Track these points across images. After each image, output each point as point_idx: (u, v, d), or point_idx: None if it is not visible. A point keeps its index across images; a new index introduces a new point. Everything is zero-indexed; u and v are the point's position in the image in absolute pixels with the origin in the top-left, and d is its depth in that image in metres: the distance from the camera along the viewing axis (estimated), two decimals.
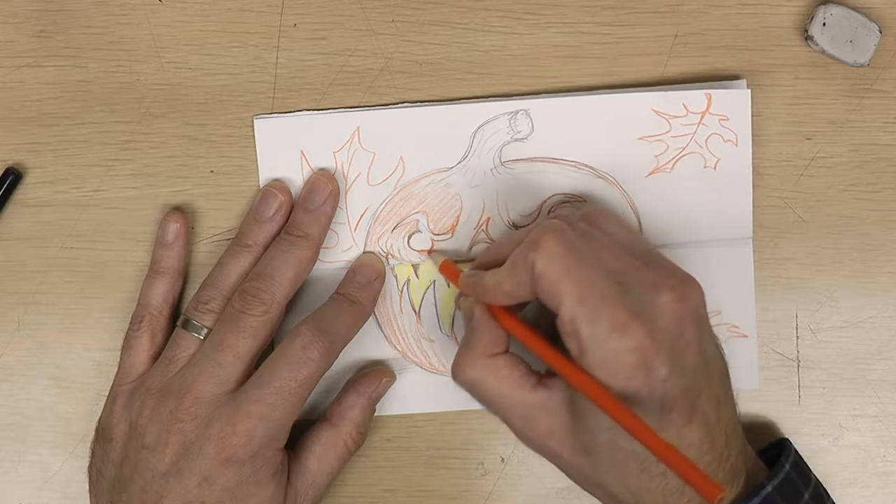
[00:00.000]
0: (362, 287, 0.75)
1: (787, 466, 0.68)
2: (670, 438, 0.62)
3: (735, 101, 0.75)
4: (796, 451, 0.71)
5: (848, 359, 0.78)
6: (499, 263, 0.68)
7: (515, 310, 0.68)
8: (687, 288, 0.65)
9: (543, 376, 0.67)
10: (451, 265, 0.74)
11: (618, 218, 0.70)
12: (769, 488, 0.66)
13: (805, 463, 0.72)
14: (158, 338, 0.75)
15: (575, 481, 0.69)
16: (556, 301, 0.63)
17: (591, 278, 0.63)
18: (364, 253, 0.77)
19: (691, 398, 0.64)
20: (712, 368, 0.66)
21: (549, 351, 0.65)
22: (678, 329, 0.63)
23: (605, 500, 0.68)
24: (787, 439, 0.74)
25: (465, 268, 0.74)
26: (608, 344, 0.62)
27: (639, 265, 0.66)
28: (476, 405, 0.72)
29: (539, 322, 0.71)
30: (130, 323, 0.75)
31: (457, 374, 0.69)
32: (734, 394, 0.68)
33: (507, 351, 0.68)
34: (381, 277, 0.76)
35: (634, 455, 0.64)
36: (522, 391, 0.67)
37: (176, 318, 0.76)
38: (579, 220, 0.68)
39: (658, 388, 0.62)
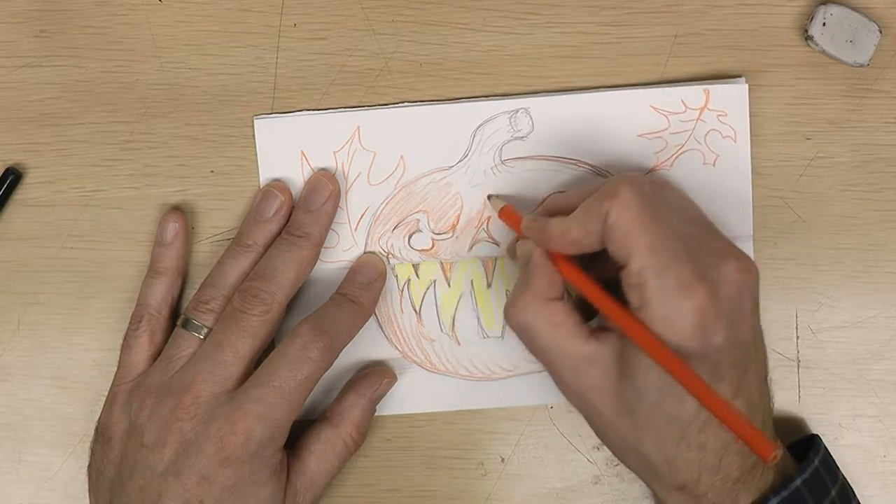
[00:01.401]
0: (363, 287, 0.75)
1: (816, 462, 0.69)
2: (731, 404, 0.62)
3: (733, 96, 0.75)
4: (826, 448, 0.72)
5: (848, 359, 0.78)
6: (564, 212, 0.67)
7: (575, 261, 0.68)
8: (749, 263, 0.65)
9: (596, 329, 0.67)
10: (512, 210, 0.73)
11: (681, 189, 0.70)
12: (798, 482, 0.67)
13: (834, 460, 0.72)
14: (158, 337, 0.75)
15: (609, 445, 0.69)
16: (626, 252, 0.63)
17: (663, 234, 0.63)
18: (365, 253, 0.77)
19: (740, 372, 0.64)
20: (759, 349, 0.67)
21: (608, 300, 0.64)
22: (738, 300, 0.64)
23: (636, 467, 0.68)
24: (818, 436, 0.74)
25: (466, 266, 0.75)
26: (672, 300, 0.62)
27: (703, 233, 0.66)
28: (475, 404, 0.74)
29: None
30: (130, 323, 0.75)
31: (510, 315, 0.68)
32: (770, 381, 0.69)
33: (562, 298, 0.68)
34: (382, 277, 0.77)
35: (677, 421, 0.64)
36: (575, 340, 0.66)
37: (175, 318, 0.76)
38: (651, 180, 0.68)
39: (713, 353, 0.62)
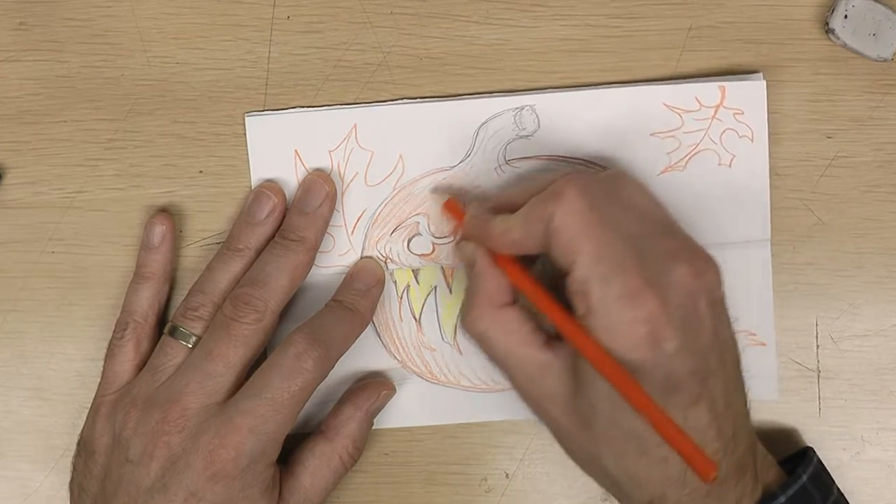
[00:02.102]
0: (360, 294, 0.74)
1: (804, 478, 0.68)
2: (673, 419, 0.61)
3: (750, 94, 0.74)
4: (819, 462, 0.71)
5: (871, 369, 0.77)
6: (509, 209, 0.67)
7: (520, 260, 0.68)
8: (704, 264, 0.64)
9: (552, 336, 0.67)
10: (455, 203, 0.73)
11: (640, 184, 0.69)
12: (781, 499, 0.66)
13: (828, 474, 0.71)
14: (144, 346, 0.74)
15: (571, 455, 0.69)
16: (569, 258, 0.63)
17: (609, 239, 0.62)
18: (362, 258, 0.76)
19: (699, 379, 0.63)
20: (725, 353, 0.65)
21: (554, 307, 0.64)
22: (691, 304, 0.63)
23: (604, 483, 0.68)
24: (811, 448, 0.73)
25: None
26: (618, 310, 0.61)
27: (657, 233, 0.65)
28: (478, 417, 0.74)
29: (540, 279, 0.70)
30: (114, 331, 0.74)
31: (465, 325, 0.68)
32: (747, 388, 0.67)
33: (514, 302, 0.68)
34: (380, 284, 0.76)
35: (634, 435, 0.63)
36: (530, 348, 0.66)
37: (162, 325, 0.75)
38: (602, 179, 0.68)
39: (665, 362, 0.61)
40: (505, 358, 0.67)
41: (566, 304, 0.64)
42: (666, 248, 0.64)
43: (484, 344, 0.68)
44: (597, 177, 0.68)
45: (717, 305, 0.65)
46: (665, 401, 0.61)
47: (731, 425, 0.64)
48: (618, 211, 0.65)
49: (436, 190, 0.75)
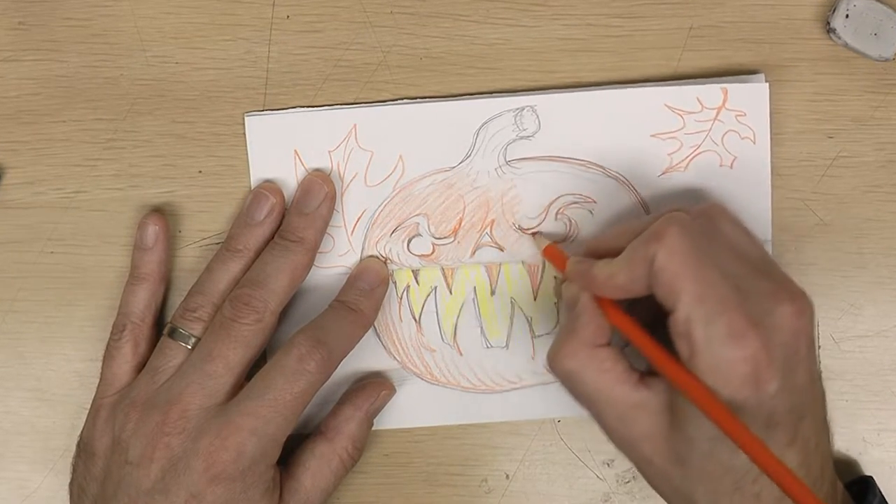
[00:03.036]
0: (364, 294, 0.75)
1: None
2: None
3: (752, 96, 0.74)
4: (881, 492, 0.71)
5: (873, 370, 0.77)
6: (609, 253, 0.67)
7: (621, 304, 0.67)
8: (804, 302, 0.64)
9: (645, 375, 0.66)
10: (556, 249, 0.73)
11: (736, 219, 0.68)
12: None
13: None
14: (142, 347, 0.74)
15: (659, 491, 0.68)
16: (672, 298, 0.62)
17: (712, 279, 0.62)
18: (367, 258, 0.77)
19: (796, 418, 0.63)
20: (817, 391, 0.66)
21: (657, 349, 0.64)
22: (794, 344, 0.63)
23: None
24: (871, 478, 0.74)
25: (469, 272, 0.75)
26: (722, 350, 0.61)
27: (757, 272, 0.65)
28: (478, 418, 0.74)
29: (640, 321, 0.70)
30: (112, 332, 0.74)
31: (555, 362, 0.67)
32: (831, 425, 0.68)
33: (609, 344, 0.67)
34: (384, 284, 0.76)
35: (732, 470, 0.63)
36: (623, 387, 0.65)
37: (159, 326, 0.75)
38: (698, 215, 0.67)
39: (767, 402, 0.61)
40: (597, 397, 0.66)
41: (664, 344, 0.64)
42: (767, 288, 0.64)
43: (572, 382, 0.67)
44: (696, 213, 0.68)
45: (813, 344, 0.65)
46: (765, 440, 0.61)
47: (819, 464, 0.65)
48: (718, 250, 0.64)
49: (537, 237, 0.75)
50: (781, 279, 0.65)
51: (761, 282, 0.64)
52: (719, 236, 0.66)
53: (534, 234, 0.76)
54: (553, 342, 0.68)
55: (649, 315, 0.66)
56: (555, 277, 0.76)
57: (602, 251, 0.68)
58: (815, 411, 0.65)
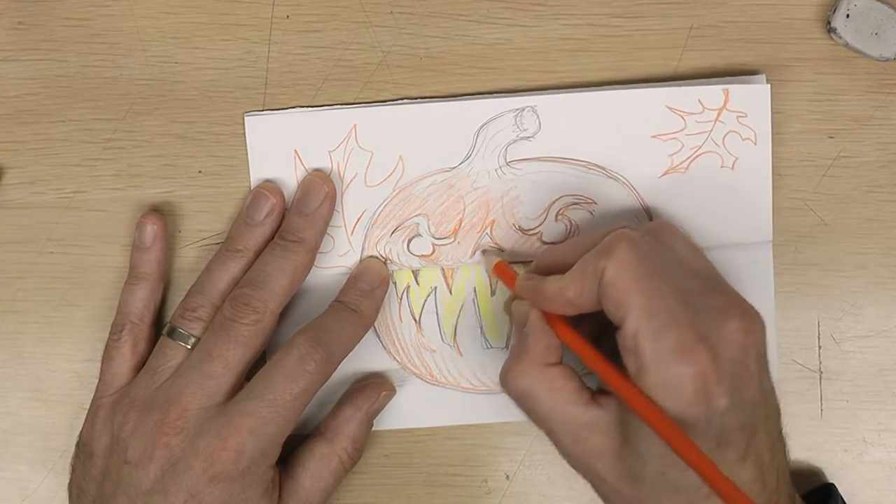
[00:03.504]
0: (364, 294, 0.75)
1: None
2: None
3: (754, 97, 0.74)
4: (843, 499, 0.72)
5: (873, 370, 0.77)
6: (558, 269, 0.67)
7: (570, 320, 0.67)
8: (754, 318, 0.64)
9: (596, 393, 0.66)
10: (506, 267, 0.73)
11: (684, 235, 0.69)
12: None
13: None
14: (141, 347, 0.74)
15: None
16: (621, 312, 0.62)
17: (662, 293, 0.62)
18: (367, 258, 0.76)
19: (747, 434, 0.63)
20: (769, 405, 0.65)
21: (606, 366, 0.64)
22: (742, 360, 0.62)
23: None
24: (833, 485, 0.75)
25: (469, 272, 0.75)
26: (670, 366, 0.61)
27: (705, 288, 0.65)
28: (478, 419, 0.74)
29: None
30: (110, 332, 0.74)
31: (507, 382, 0.67)
32: (786, 438, 0.68)
33: (560, 362, 0.67)
34: (384, 284, 0.76)
35: (684, 489, 0.63)
36: (575, 407, 0.65)
37: (158, 326, 0.76)
38: (648, 232, 0.68)
39: (716, 419, 0.61)
40: (549, 416, 0.66)
41: (613, 360, 0.64)
42: (715, 304, 0.64)
43: (526, 401, 0.67)
44: (646, 230, 0.68)
45: (763, 358, 0.65)
46: (716, 457, 0.61)
47: (774, 478, 0.65)
48: (668, 265, 0.65)
49: (486, 253, 0.76)
50: (731, 295, 0.65)
51: (710, 298, 0.64)
52: (669, 252, 0.66)
53: (483, 251, 0.76)
54: (505, 361, 0.68)
55: (596, 331, 0.67)
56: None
57: (552, 267, 0.68)
58: (768, 426, 0.65)
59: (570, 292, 0.65)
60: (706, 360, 0.61)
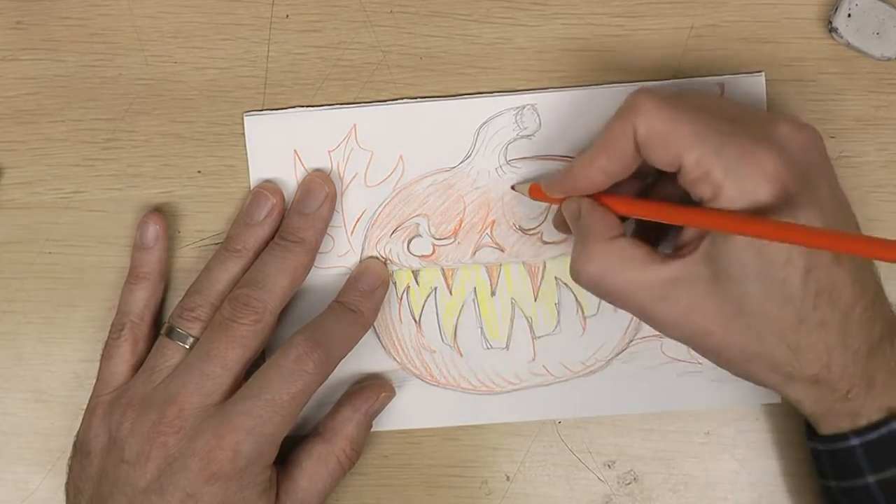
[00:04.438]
0: (364, 295, 0.75)
1: None
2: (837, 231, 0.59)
3: (749, 90, 0.75)
4: None
5: None
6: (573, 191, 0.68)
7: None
8: (803, 122, 0.64)
9: (667, 254, 0.65)
10: (537, 185, 0.72)
11: (700, 91, 0.69)
12: None
13: None
14: (140, 346, 0.74)
15: (728, 363, 0.66)
16: (672, 153, 0.62)
17: (704, 120, 0.62)
18: (367, 258, 0.77)
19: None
20: (847, 210, 0.65)
21: (682, 208, 0.63)
22: (806, 158, 0.62)
23: (764, 375, 0.66)
24: None
25: (469, 273, 0.75)
26: (742, 169, 0.60)
27: (744, 111, 0.65)
28: (478, 419, 0.74)
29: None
30: (110, 331, 0.75)
31: (578, 272, 0.66)
32: None
33: (623, 235, 0.66)
34: (384, 285, 0.76)
35: (789, 302, 0.62)
36: (654, 267, 0.64)
37: (157, 326, 0.76)
38: (665, 88, 0.68)
39: (797, 217, 0.60)
40: (631, 288, 0.65)
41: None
42: (759, 117, 0.64)
43: (603, 283, 0.66)
44: (662, 85, 0.68)
45: (827, 160, 0.65)
46: None
47: (873, 284, 0.65)
48: (697, 102, 0.64)
49: (518, 185, 0.75)
50: (770, 112, 0.66)
51: (752, 115, 0.64)
52: (692, 95, 0.66)
53: (511, 186, 0.76)
54: (571, 256, 0.67)
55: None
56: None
57: (565, 188, 0.68)
58: (848, 227, 0.65)
59: (601, 160, 0.65)
60: (774, 157, 0.60)
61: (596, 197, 0.67)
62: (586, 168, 0.66)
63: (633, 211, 0.66)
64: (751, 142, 0.61)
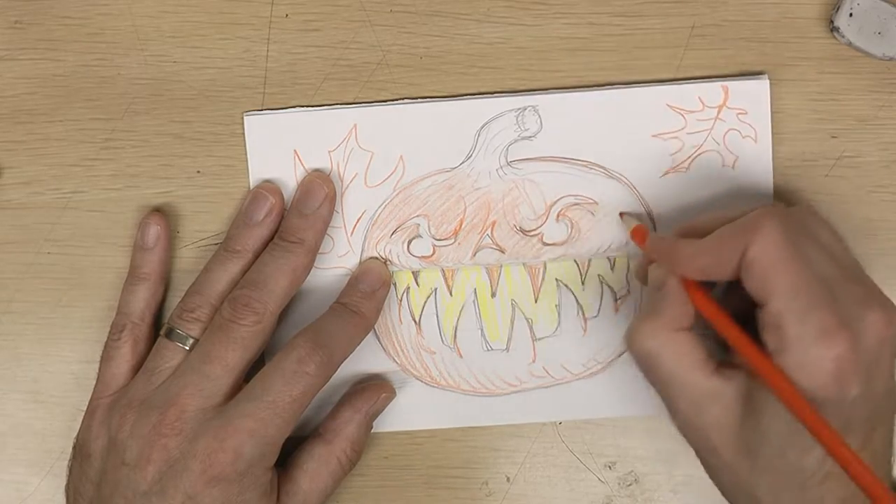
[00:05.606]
0: (365, 296, 0.75)
1: None
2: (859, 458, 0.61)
3: (753, 93, 0.74)
4: None
5: None
6: (695, 235, 0.67)
7: (706, 287, 0.67)
8: (893, 312, 0.64)
9: (721, 365, 0.66)
10: (643, 229, 0.72)
11: (828, 224, 0.68)
12: None
13: None
14: (140, 347, 0.74)
15: (720, 485, 0.67)
16: (766, 291, 0.62)
17: (807, 276, 0.62)
18: (368, 259, 0.77)
19: (869, 427, 0.63)
20: (891, 404, 0.65)
21: (741, 336, 0.63)
22: (878, 351, 0.62)
23: None
24: None
25: (469, 274, 0.75)
26: (812, 348, 0.60)
27: (847, 276, 0.64)
28: (478, 421, 0.75)
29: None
30: (110, 332, 0.74)
31: (633, 341, 0.66)
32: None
33: (691, 329, 0.66)
34: (385, 286, 0.76)
35: (800, 470, 0.63)
36: (700, 374, 0.65)
37: (158, 327, 0.75)
38: (792, 214, 0.67)
39: (846, 407, 0.61)
40: (671, 381, 0.65)
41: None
42: (857, 293, 0.63)
43: (650, 362, 0.66)
44: (792, 211, 0.67)
45: (894, 356, 0.64)
46: None
47: (882, 476, 0.65)
48: (813, 249, 0.64)
49: (625, 216, 0.75)
50: (871, 287, 0.65)
51: (852, 286, 0.64)
52: (813, 236, 0.66)
53: (622, 213, 0.75)
54: (633, 321, 0.67)
55: (736, 305, 0.66)
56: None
57: (691, 234, 0.68)
58: (887, 423, 0.65)
59: (704, 259, 0.65)
60: (847, 346, 0.60)
61: (684, 280, 0.67)
62: (690, 262, 0.66)
63: (706, 312, 0.66)
64: (834, 322, 0.61)
